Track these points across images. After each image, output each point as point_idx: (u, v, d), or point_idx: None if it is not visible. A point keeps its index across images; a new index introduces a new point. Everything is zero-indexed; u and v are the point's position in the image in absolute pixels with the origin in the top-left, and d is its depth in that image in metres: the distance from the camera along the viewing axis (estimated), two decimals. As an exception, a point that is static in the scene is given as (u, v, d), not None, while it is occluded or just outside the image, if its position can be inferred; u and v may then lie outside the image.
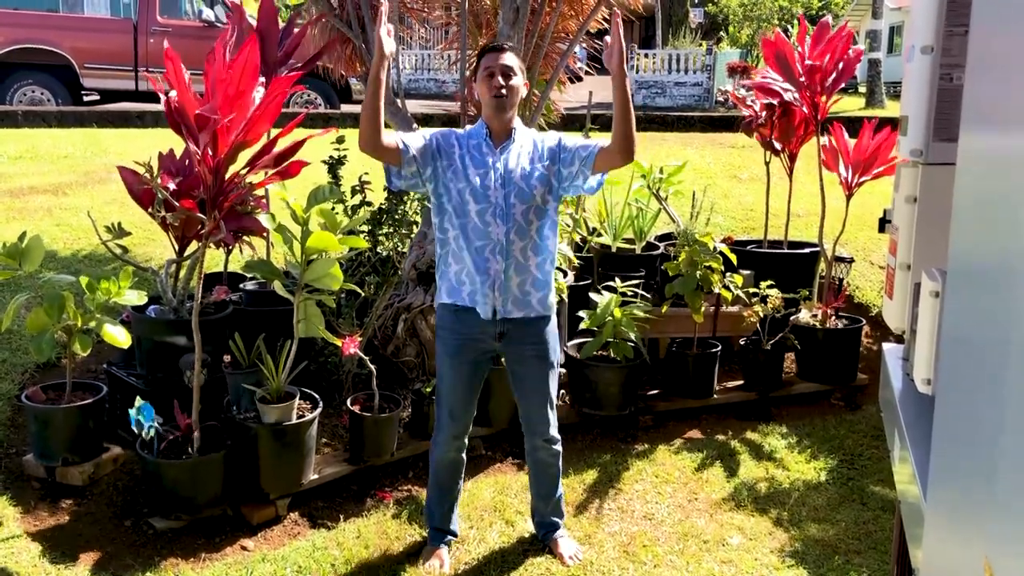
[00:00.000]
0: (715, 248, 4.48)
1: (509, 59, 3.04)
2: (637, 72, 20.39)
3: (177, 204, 3.31)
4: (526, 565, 3.31)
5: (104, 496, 3.52)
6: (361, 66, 4.99)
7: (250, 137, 3.20)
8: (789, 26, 21.79)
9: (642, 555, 3.41)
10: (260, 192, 3.69)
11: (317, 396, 3.64)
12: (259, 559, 3.25)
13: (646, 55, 21.32)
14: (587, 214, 5.58)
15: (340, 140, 4.31)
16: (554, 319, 3.21)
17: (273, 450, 3.42)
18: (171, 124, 3.17)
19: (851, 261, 5.58)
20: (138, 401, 3.29)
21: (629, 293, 4.41)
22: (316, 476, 3.63)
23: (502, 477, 4.00)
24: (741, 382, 4.91)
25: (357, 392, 3.96)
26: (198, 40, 10.87)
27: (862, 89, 19.78)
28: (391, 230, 4.28)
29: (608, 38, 2.88)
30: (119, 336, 3.33)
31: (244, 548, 3.35)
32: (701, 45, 22.64)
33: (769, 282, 4.73)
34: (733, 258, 4.62)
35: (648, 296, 4.64)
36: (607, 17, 5.15)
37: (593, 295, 4.40)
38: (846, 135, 4.91)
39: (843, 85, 5.06)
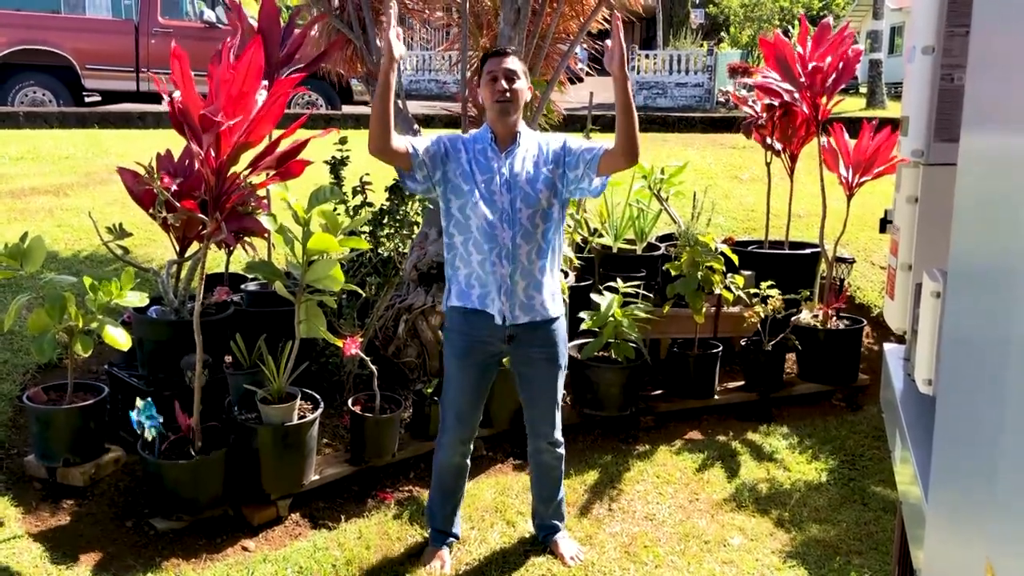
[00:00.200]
0: (716, 249, 4.47)
1: (512, 63, 3.04)
2: (638, 73, 20.40)
3: (178, 205, 3.32)
4: (527, 566, 3.31)
5: (105, 497, 3.52)
6: (362, 66, 4.99)
7: (253, 138, 3.21)
8: (790, 27, 21.80)
9: (643, 556, 3.41)
10: (262, 193, 3.69)
11: (318, 397, 3.65)
12: (260, 560, 3.25)
13: (647, 56, 21.33)
14: (588, 215, 5.58)
15: (343, 141, 4.31)
16: (562, 321, 3.21)
17: (274, 451, 3.42)
18: (174, 125, 3.17)
19: (852, 262, 5.58)
20: (140, 402, 3.29)
21: (630, 293, 4.41)
22: (317, 477, 3.63)
23: (503, 478, 4.00)
24: (742, 383, 4.91)
25: (358, 393, 3.96)
26: (199, 41, 10.87)
27: (863, 90, 19.77)
28: (392, 231, 4.28)
29: (609, 40, 2.88)
30: (120, 338, 3.33)
31: (245, 549, 3.35)
32: (702, 46, 22.64)
33: (770, 283, 4.73)
34: (734, 259, 4.61)
35: (649, 297, 4.64)
36: (608, 18, 5.16)
37: (594, 296, 4.40)
38: (846, 135, 4.91)
39: (844, 86, 5.06)
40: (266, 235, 3.96)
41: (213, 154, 3.14)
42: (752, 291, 4.75)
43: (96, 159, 8.24)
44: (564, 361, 3.23)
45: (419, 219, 4.46)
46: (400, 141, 2.95)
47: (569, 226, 5.09)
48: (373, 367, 3.72)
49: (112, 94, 12.33)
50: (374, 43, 4.75)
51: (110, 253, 3.83)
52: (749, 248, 5.44)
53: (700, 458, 4.25)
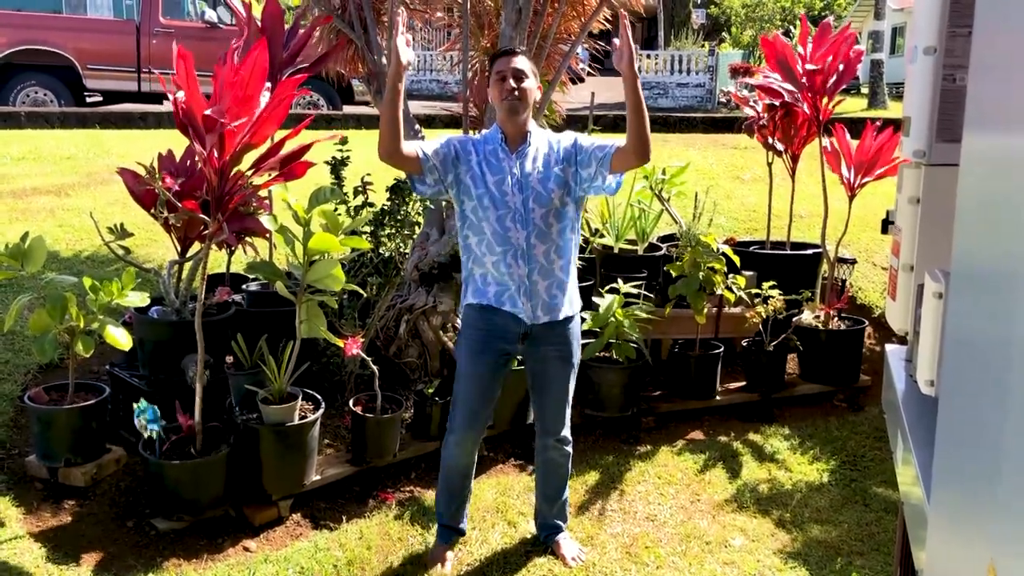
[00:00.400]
0: (718, 249, 4.47)
1: (520, 62, 3.03)
2: (639, 73, 20.36)
3: (180, 205, 3.32)
4: (528, 566, 3.30)
5: (106, 497, 3.52)
6: (363, 66, 4.99)
7: (256, 139, 3.21)
8: (792, 27, 21.79)
9: (644, 556, 3.40)
10: (263, 193, 3.69)
11: (319, 397, 3.64)
12: (261, 560, 3.25)
13: (648, 56, 21.34)
14: (589, 215, 5.58)
15: (343, 141, 4.31)
16: (578, 319, 3.22)
17: (275, 451, 3.42)
18: (178, 125, 3.17)
19: (854, 262, 5.58)
20: (142, 402, 3.29)
21: (632, 294, 4.40)
22: (318, 477, 3.63)
23: (504, 478, 4.00)
24: (743, 383, 4.90)
25: (359, 393, 3.96)
26: (201, 41, 10.88)
27: (864, 90, 19.76)
28: (393, 231, 4.28)
29: (616, 40, 2.87)
30: (121, 338, 3.33)
31: (246, 549, 3.35)
32: (703, 46, 22.64)
33: (771, 283, 4.72)
34: (736, 259, 4.61)
35: (650, 297, 4.64)
36: (609, 18, 5.16)
37: (596, 296, 4.40)
38: (848, 136, 4.90)
39: (845, 86, 5.06)
40: (267, 235, 3.96)
41: (216, 155, 3.14)
42: (754, 292, 4.74)
43: (97, 159, 8.25)
44: (577, 359, 3.24)
45: (420, 219, 4.46)
46: (410, 146, 2.95)
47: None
48: (374, 367, 3.72)
49: (113, 94, 12.33)
50: (375, 43, 4.76)
51: (111, 253, 3.83)
52: (751, 249, 5.44)
53: (701, 459, 4.25)
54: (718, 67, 20.02)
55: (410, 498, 3.79)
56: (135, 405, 3.30)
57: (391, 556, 3.35)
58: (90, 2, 12.04)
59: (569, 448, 3.35)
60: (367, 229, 4.20)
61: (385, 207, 4.27)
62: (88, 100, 12.43)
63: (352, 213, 4.14)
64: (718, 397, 4.74)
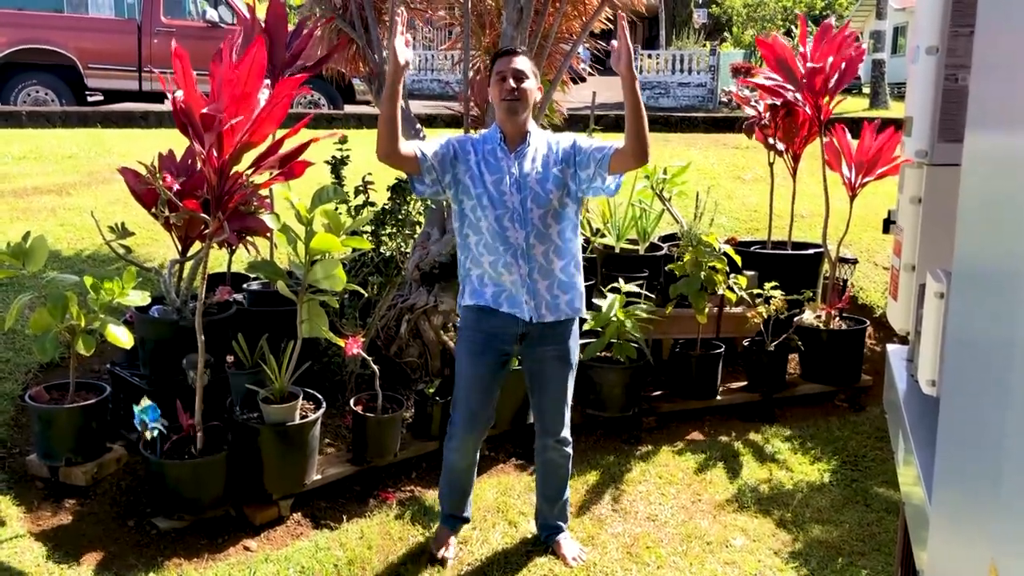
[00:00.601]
0: (719, 249, 4.47)
1: (521, 63, 3.03)
2: (641, 73, 20.38)
3: (180, 204, 3.32)
4: (529, 566, 3.30)
5: (107, 496, 3.52)
6: (364, 66, 4.99)
7: (255, 138, 3.21)
8: (793, 27, 21.78)
9: (645, 556, 3.40)
10: (264, 192, 3.69)
11: (320, 396, 3.64)
12: (262, 559, 3.25)
13: (650, 56, 21.33)
14: (591, 215, 5.58)
15: (343, 140, 4.31)
16: (577, 321, 3.21)
17: (276, 450, 3.42)
18: (178, 124, 3.17)
19: (855, 262, 5.57)
20: (143, 401, 3.29)
21: (633, 294, 4.40)
22: (319, 477, 3.63)
23: (505, 478, 4.00)
24: (745, 383, 4.90)
25: (360, 393, 3.96)
26: (202, 40, 10.88)
27: (866, 90, 19.75)
28: (394, 230, 4.27)
29: (615, 41, 2.87)
30: (122, 336, 3.33)
31: (247, 548, 3.35)
32: (705, 46, 22.63)
33: (773, 283, 4.72)
34: (737, 259, 4.61)
35: (652, 297, 4.64)
36: (611, 17, 5.16)
37: (597, 297, 4.39)
38: (848, 136, 4.90)
39: (846, 86, 5.05)
40: (268, 235, 3.96)
41: (215, 153, 3.14)
42: (755, 291, 4.74)
43: (98, 158, 8.25)
44: (576, 360, 3.24)
45: (421, 219, 4.46)
46: (408, 146, 2.95)
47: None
48: (375, 367, 3.72)
49: (114, 93, 12.33)
50: (376, 42, 4.75)
51: (112, 252, 3.83)
52: (752, 248, 5.43)
53: (702, 459, 4.25)
54: (719, 67, 20.01)
55: (411, 498, 3.79)
56: (136, 405, 3.30)
57: (392, 556, 3.35)
58: (91, 1, 12.04)
59: (569, 449, 3.35)
60: (368, 229, 4.20)
61: (386, 207, 4.27)
62: (89, 99, 12.43)
63: (353, 213, 4.14)
64: (719, 397, 4.73)
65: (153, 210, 3.66)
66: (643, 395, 4.59)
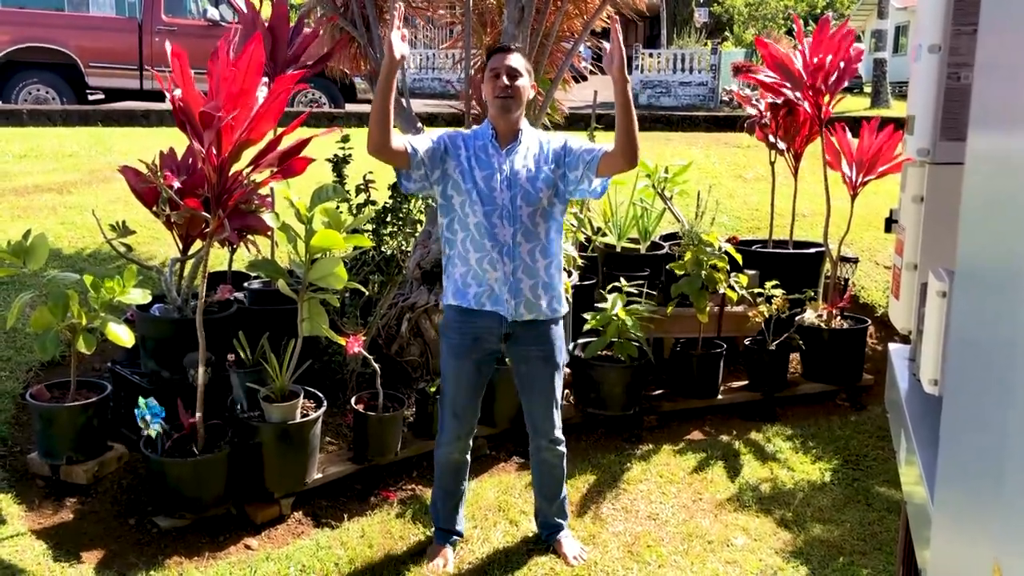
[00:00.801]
0: (720, 248, 4.47)
1: (515, 60, 3.03)
2: (642, 72, 20.38)
3: (181, 203, 3.32)
4: (530, 565, 3.30)
5: (108, 494, 3.52)
6: (365, 64, 4.99)
7: (254, 135, 3.20)
8: (795, 25, 21.76)
9: (646, 555, 3.40)
10: (265, 191, 3.69)
11: (321, 395, 3.64)
12: (263, 558, 3.25)
13: (651, 55, 21.30)
14: (592, 214, 5.58)
15: (345, 139, 4.31)
16: (561, 321, 3.21)
17: (277, 449, 3.42)
18: (177, 122, 3.17)
19: (856, 261, 5.57)
20: (143, 400, 3.29)
21: (634, 293, 4.40)
22: (320, 475, 3.63)
23: (506, 477, 4.00)
24: (746, 382, 4.90)
25: (361, 391, 3.95)
26: (203, 39, 10.87)
27: (867, 89, 19.74)
28: (395, 229, 4.27)
29: (607, 43, 2.87)
30: (123, 335, 3.33)
31: (248, 547, 3.35)
32: (706, 45, 22.61)
33: (774, 282, 4.72)
34: (738, 258, 4.61)
35: (653, 296, 4.63)
36: (617, 17, 5.15)
37: (597, 296, 4.39)
38: (849, 135, 4.90)
39: (847, 84, 5.05)
40: (269, 233, 3.96)
41: (215, 151, 3.13)
42: (756, 290, 4.74)
43: (99, 157, 8.25)
44: (562, 359, 3.22)
45: (422, 217, 4.46)
46: (399, 140, 2.94)
47: (573, 225, 5.08)
48: (376, 365, 3.72)
49: (116, 92, 12.34)
50: (378, 41, 4.75)
51: (113, 251, 3.83)
52: (753, 247, 5.43)
53: (703, 458, 4.25)
54: (721, 66, 19.99)
55: (412, 496, 3.79)
56: (138, 403, 3.30)
57: (393, 554, 3.34)
58: (92, 0, 12.05)
59: (562, 448, 3.34)
60: (369, 227, 4.20)
61: (387, 205, 4.27)
62: (90, 98, 12.43)
63: (354, 211, 4.14)
64: (720, 396, 4.73)
65: (154, 208, 3.66)
66: (644, 394, 4.59)
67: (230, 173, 3.24)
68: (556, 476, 3.37)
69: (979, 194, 1.31)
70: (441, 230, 3.14)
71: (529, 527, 3.54)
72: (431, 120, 9.79)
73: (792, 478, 4.09)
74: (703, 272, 4.38)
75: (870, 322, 5.14)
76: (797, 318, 4.86)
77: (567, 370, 4.42)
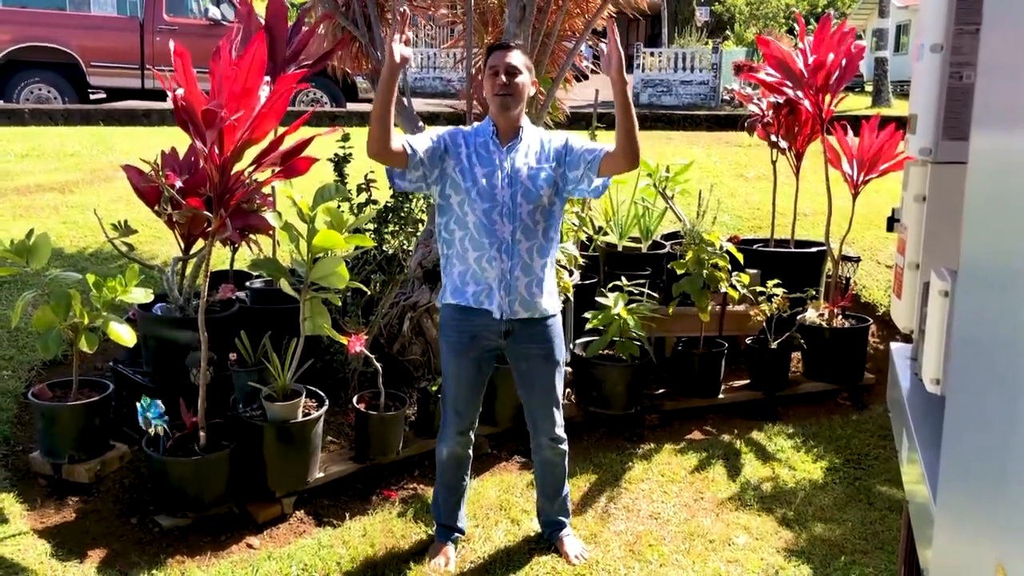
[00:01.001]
0: (721, 247, 4.47)
1: (515, 58, 3.03)
2: (643, 71, 20.37)
3: (183, 202, 3.32)
4: (532, 564, 3.30)
5: (110, 494, 3.53)
6: (367, 64, 4.99)
7: (256, 135, 3.21)
8: (795, 24, 21.78)
9: (648, 554, 3.40)
10: (267, 190, 3.69)
11: (323, 394, 3.64)
12: (265, 557, 3.25)
13: (652, 54, 21.29)
14: (593, 212, 5.57)
15: (345, 138, 4.30)
16: (559, 318, 3.21)
17: (279, 448, 3.42)
18: (179, 122, 3.17)
19: (858, 260, 5.57)
20: (145, 399, 3.29)
21: (635, 292, 4.40)
22: (322, 474, 3.63)
23: (507, 476, 4.00)
24: (747, 381, 4.90)
25: (363, 390, 3.96)
26: (204, 38, 10.88)
27: (869, 88, 19.72)
28: (397, 228, 4.27)
29: (604, 45, 2.87)
30: (125, 334, 3.33)
31: (250, 546, 3.36)
32: (707, 44, 22.60)
33: (776, 281, 4.72)
34: (740, 257, 4.61)
35: (654, 295, 4.63)
36: (613, 15, 5.15)
37: (599, 295, 4.39)
38: (851, 133, 4.89)
39: (849, 84, 5.05)
40: (271, 232, 3.96)
41: (217, 151, 3.14)
42: (757, 289, 4.74)
43: (101, 156, 8.25)
44: (561, 357, 3.22)
45: (424, 216, 4.46)
46: (397, 141, 2.93)
47: (574, 224, 5.08)
48: (378, 364, 3.72)
49: (117, 91, 12.35)
50: (379, 40, 4.75)
51: (115, 250, 3.83)
52: (754, 246, 5.43)
53: (705, 457, 4.25)
54: (722, 65, 19.99)
55: (413, 495, 3.79)
56: (139, 402, 3.30)
57: (394, 553, 3.35)
58: (94, -1, 12.07)
59: (564, 446, 3.34)
60: (371, 226, 4.20)
61: (389, 204, 4.26)
62: (92, 97, 12.44)
63: (356, 210, 4.14)
64: (722, 395, 4.73)
65: (156, 208, 3.67)
66: (646, 393, 4.59)
67: (232, 172, 3.24)
68: (558, 474, 3.37)
69: (982, 193, 1.31)
70: (439, 230, 3.13)
71: (531, 526, 3.54)
72: (432, 119, 9.78)
73: (793, 477, 4.09)
74: (705, 271, 4.38)
75: (872, 321, 5.14)
76: (799, 317, 4.86)
77: (568, 369, 4.42)
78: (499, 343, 3.13)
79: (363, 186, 4.25)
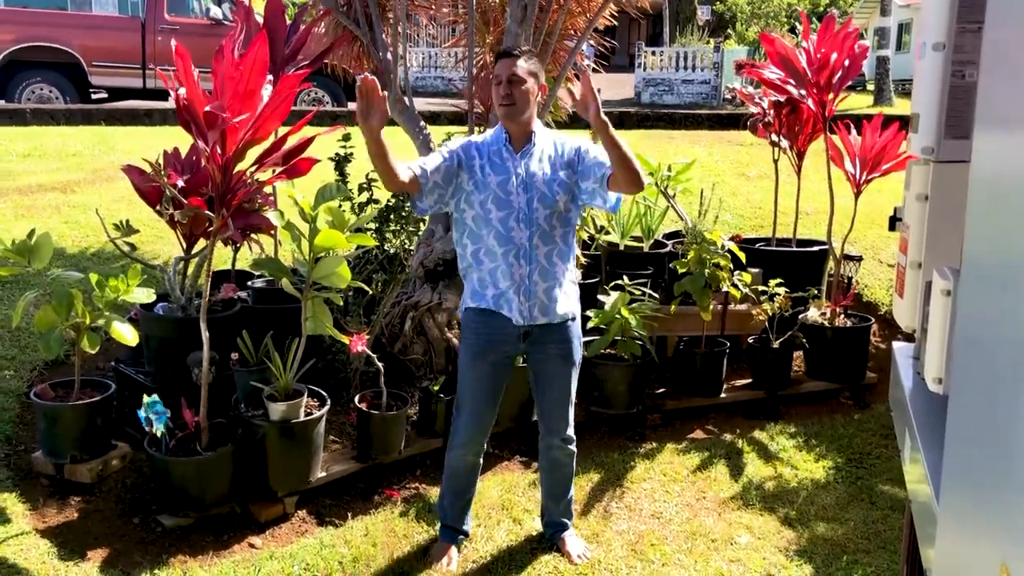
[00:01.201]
0: (723, 246, 4.46)
1: (519, 66, 3.00)
2: (644, 70, 20.37)
3: (185, 202, 3.32)
4: (534, 563, 3.30)
5: (112, 493, 3.53)
6: (368, 63, 4.99)
7: (259, 135, 3.21)
8: (797, 23, 21.74)
9: (650, 554, 3.40)
10: (268, 190, 3.69)
11: (325, 394, 3.65)
12: (267, 557, 3.25)
13: (653, 53, 21.29)
14: (595, 212, 5.57)
15: (346, 138, 4.31)
16: (578, 320, 3.21)
17: (281, 448, 3.42)
18: (181, 122, 3.17)
19: (860, 259, 5.56)
20: (147, 398, 3.29)
21: (637, 291, 4.39)
22: (324, 474, 3.63)
23: (509, 475, 4.00)
24: (749, 381, 4.89)
25: (365, 390, 3.96)
26: (206, 38, 10.89)
27: (870, 87, 19.71)
28: (398, 227, 4.28)
29: (575, 90, 2.83)
30: (127, 334, 3.33)
31: (252, 546, 3.36)
32: (709, 43, 22.60)
33: (778, 280, 4.71)
34: (742, 256, 4.60)
35: (656, 294, 4.63)
36: (615, 14, 5.15)
37: (601, 294, 4.39)
38: (853, 132, 4.88)
39: (850, 82, 5.05)
40: (273, 232, 3.96)
41: (219, 151, 3.14)
42: (759, 289, 4.73)
43: (103, 156, 8.26)
44: (579, 358, 3.23)
45: (425, 216, 4.46)
46: (407, 172, 2.90)
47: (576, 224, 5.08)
48: (379, 364, 3.72)
49: (119, 91, 12.35)
50: (380, 39, 4.75)
51: (117, 250, 3.84)
52: (756, 245, 5.43)
53: (707, 456, 4.24)
54: (723, 64, 19.98)
55: (415, 495, 3.79)
56: (142, 402, 3.31)
57: (396, 553, 3.35)
58: (95, -1, 12.08)
59: (573, 447, 3.34)
60: (372, 226, 4.21)
61: (390, 204, 4.27)
62: (93, 97, 12.45)
63: (357, 210, 4.14)
64: (724, 394, 4.73)
65: (158, 207, 3.67)
66: (647, 392, 4.59)
67: (234, 172, 3.24)
68: (565, 475, 3.37)
69: (984, 192, 1.31)
70: (457, 238, 3.13)
71: (533, 525, 3.54)
72: (433, 119, 9.78)
73: (796, 476, 4.09)
74: (706, 270, 4.38)
75: (874, 320, 5.14)
76: (800, 316, 4.85)
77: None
78: (518, 347, 3.13)
79: (364, 185, 4.26)
